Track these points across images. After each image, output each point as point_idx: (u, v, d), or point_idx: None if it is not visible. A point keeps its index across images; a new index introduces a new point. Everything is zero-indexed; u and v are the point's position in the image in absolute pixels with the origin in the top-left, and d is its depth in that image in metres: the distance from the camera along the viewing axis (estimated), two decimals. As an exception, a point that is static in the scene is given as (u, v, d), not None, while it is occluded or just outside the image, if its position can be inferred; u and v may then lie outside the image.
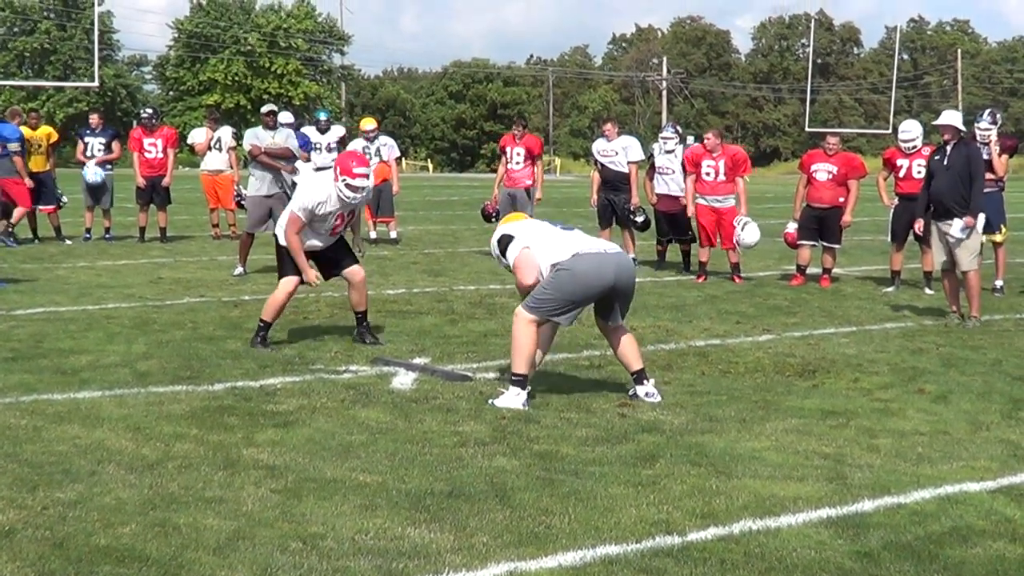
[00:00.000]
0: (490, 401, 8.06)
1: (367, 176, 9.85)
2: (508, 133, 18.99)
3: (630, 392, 8.35)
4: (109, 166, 20.20)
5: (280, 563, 4.96)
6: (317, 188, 9.86)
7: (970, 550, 5.30)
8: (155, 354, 9.56)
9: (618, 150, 17.16)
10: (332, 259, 10.28)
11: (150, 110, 21.59)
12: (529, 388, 8.11)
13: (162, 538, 5.20)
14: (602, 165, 17.36)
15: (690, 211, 15.70)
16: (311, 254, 10.06)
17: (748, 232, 15.34)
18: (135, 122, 59.07)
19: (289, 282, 10.04)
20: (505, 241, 8.39)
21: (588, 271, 8.07)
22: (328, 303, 12.58)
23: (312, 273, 9.99)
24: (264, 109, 16.00)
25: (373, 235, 20.48)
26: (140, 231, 20.15)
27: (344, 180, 9.71)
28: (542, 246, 8.24)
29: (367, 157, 18.28)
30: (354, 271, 10.29)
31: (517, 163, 18.12)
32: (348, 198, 9.80)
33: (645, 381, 8.33)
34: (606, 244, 8.68)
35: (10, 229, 18.76)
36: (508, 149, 18.22)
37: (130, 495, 5.81)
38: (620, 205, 17.15)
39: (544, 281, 8.12)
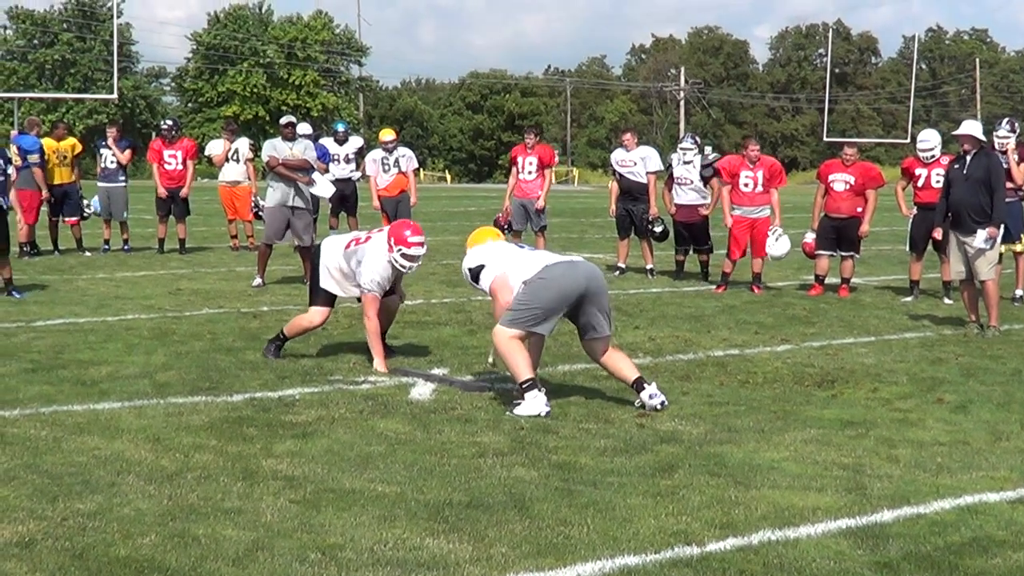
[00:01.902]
0: (509, 411, 8.08)
1: (422, 245, 9.65)
2: (519, 144, 18.97)
3: (636, 404, 8.34)
4: (123, 177, 20.23)
5: (299, 574, 4.96)
6: (378, 263, 9.57)
7: (990, 560, 5.28)
8: (174, 365, 9.58)
9: (636, 160, 17.15)
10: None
11: (170, 122, 21.65)
12: (544, 389, 8.16)
13: (181, 549, 5.21)
14: (620, 175, 17.36)
15: (728, 221, 15.59)
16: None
17: (780, 244, 15.35)
18: (154, 133, 59.28)
19: (319, 314, 9.97)
20: (476, 271, 8.58)
21: (560, 277, 8.24)
22: (346, 314, 12.59)
23: (384, 364, 9.58)
24: (283, 121, 16.06)
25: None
26: (159, 242, 20.20)
27: (400, 250, 9.51)
28: (512, 267, 8.42)
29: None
30: (392, 300, 10.18)
31: (529, 173, 18.08)
32: (404, 268, 9.61)
33: (646, 385, 8.33)
34: (572, 256, 8.92)
35: (26, 248, 18.78)
36: (520, 159, 18.17)
37: (149, 506, 5.82)
38: (638, 215, 17.14)
39: (518, 295, 8.24)
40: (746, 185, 15.44)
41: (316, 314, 9.99)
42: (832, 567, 5.16)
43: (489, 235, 9.15)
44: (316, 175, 15.93)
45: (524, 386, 8.08)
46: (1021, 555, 5.36)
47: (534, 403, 8.02)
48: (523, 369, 8.12)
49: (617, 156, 17.48)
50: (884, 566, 5.18)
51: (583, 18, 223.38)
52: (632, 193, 17.22)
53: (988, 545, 5.48)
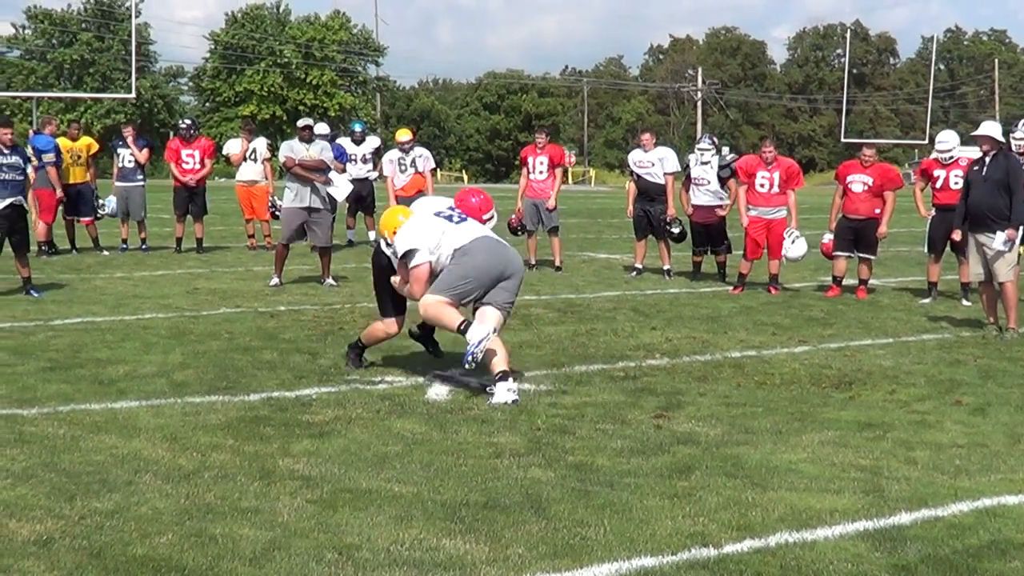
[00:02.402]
0: (489, 402, 8.35)
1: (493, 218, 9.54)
2: (529, 144, 18.96)
3: (488, 391, 8.59)
4: (140, 177, 20.27)
5: (315, 574, 4.97)
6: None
7: (1008, 563, 5.26)
8: (191, 364, 9.60)
9: (654, 161, 17.13)
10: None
11: (188, 121, 21.69)
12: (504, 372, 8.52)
13: (198, 548, 5.22)
14: (638, 176, 17.34)
15: (744, 221, 15.56)
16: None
17: (797, 246, 15.32)
18: (171, 133, 59.37)
19: (394, 324, 9.56)
20: (410, 254, 8.88)
21: (488, 249, 8.85)
22: (363, 313, 12.60)
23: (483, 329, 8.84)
24: (300, 123, 16.09)
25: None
26: (176, 241, 20.24)
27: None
28: (444, 241, 8.84)
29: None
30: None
31: (541, 173, 18.07)
32: None
33: (505, 380, 8.48)
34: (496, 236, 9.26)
35: (44, 247, 18.84)
36: (530, 160, 18.15)
37: (166, 505, 5.84)
38: (656, 216, 17.12)
39: (450, 267, 8.77)
40: (762, 186, 15.41)
41: (391, 324, 9.59)
42: (849, 569, 5.14)
43: (400, 214, 9.23)
44: (333, 175, 15.95)
45: (461, 328, 8.59)
46: (1040, 558, 5.34)
47: (505, 393, 8.39)
48: (456, 318, 8.61)
49: (635, 157, 17.46)
50: (902, 569, 5.17)
51: (600, 18, 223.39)
52: (649, 194, 17.19)
53: (1006, 548, 5.45)
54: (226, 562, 5.07)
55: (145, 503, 5.85)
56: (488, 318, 8.88)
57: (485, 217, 9.44)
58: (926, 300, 14.92)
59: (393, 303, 9.54)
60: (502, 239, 9.18)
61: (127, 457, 6.70)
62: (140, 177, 20.26)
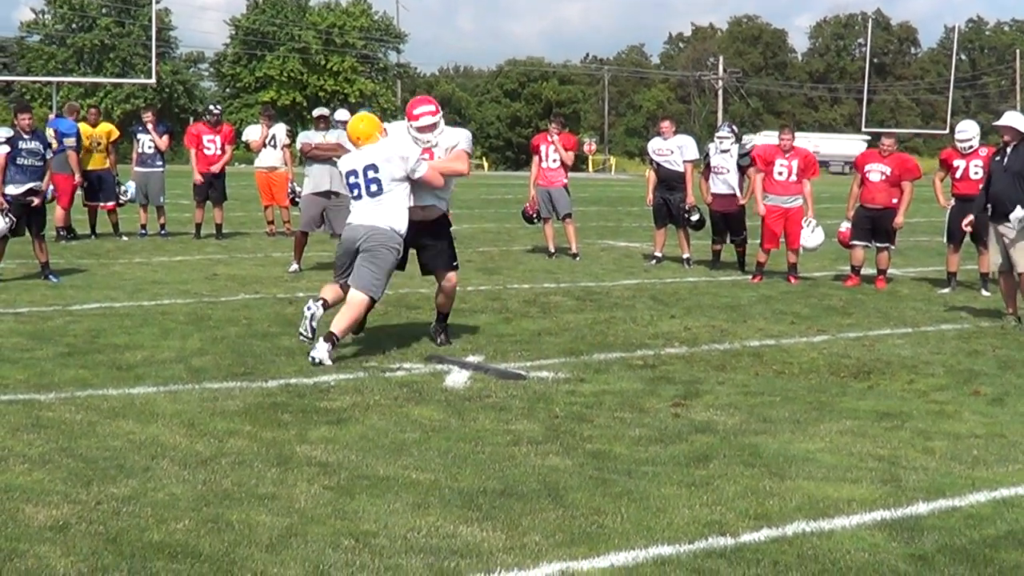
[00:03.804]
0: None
1: (432, 114, 10.09)
2: (541, 132, 18.93)
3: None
4: (160, 162, 20.29)
5: (332, 560, 4.97)
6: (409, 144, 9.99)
7: (1027, 555, 5.25)
8: (209, 350, 9.61)
9: (673, 149, 17.08)
10: (431, 258, 10.31)
11: (218, 108, 21.68)
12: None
13: (215, 534, 5.23)
14: (657, 164, 17.31)
15: (760, 210, 15.52)
16: (418, 247, 10.20)
17: (815, 235, 15.28)
18: (192, 118, 59.48)
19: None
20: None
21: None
22: (382, 300, 12.60)
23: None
24: (315, 113, 16.12)
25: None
26: (196, 227, 20.27)
27: (411, 125, 10.04)
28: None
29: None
30: (448, 277, 10.22)
31: (554, 161, 18.03)
32: (419, 140, 9.99)
33: (330, 341, 9.27)
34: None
35: (63, 232, 18.90)
36: (542, 148, 18.11)
37: (183, 491, 5.85)
38: (675, 204, 17.08)
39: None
40: (780, 174, 15.36)
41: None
42: (866, 559, 5.13)
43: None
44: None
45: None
46: (1058, 550, 5.32)
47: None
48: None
49: (654, 145, 17.42)
50: (919, 559, 5.15)
51: (623, 6, 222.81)
52: (669, 182, 17.16)
53: (1024, 539, 5.44)
54: (243, 548, 5.08)
55: (162, 489, 5.87)
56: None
57: (415, 112, 10.06)
58: (945, 290, 14.87)
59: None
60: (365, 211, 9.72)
61: (144, 443, 6.72)
62: (160, 163, 20.27)
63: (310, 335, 9.46)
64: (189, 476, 6.10)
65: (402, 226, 9.67)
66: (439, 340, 10.20)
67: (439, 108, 10.20)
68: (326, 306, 9.68)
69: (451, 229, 10.52)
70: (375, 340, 10.25)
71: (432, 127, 10.02)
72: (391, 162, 9.57)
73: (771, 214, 15.40)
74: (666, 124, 17.47)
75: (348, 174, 9.80)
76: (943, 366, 9.73)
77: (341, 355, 9.50)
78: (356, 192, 9.72)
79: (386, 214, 9.62)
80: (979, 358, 10.17)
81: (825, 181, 48.84)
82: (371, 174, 9.60)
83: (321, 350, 9.19)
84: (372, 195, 9.61)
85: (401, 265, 9.98)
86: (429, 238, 10.12)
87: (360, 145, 9.78)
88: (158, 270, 15.27)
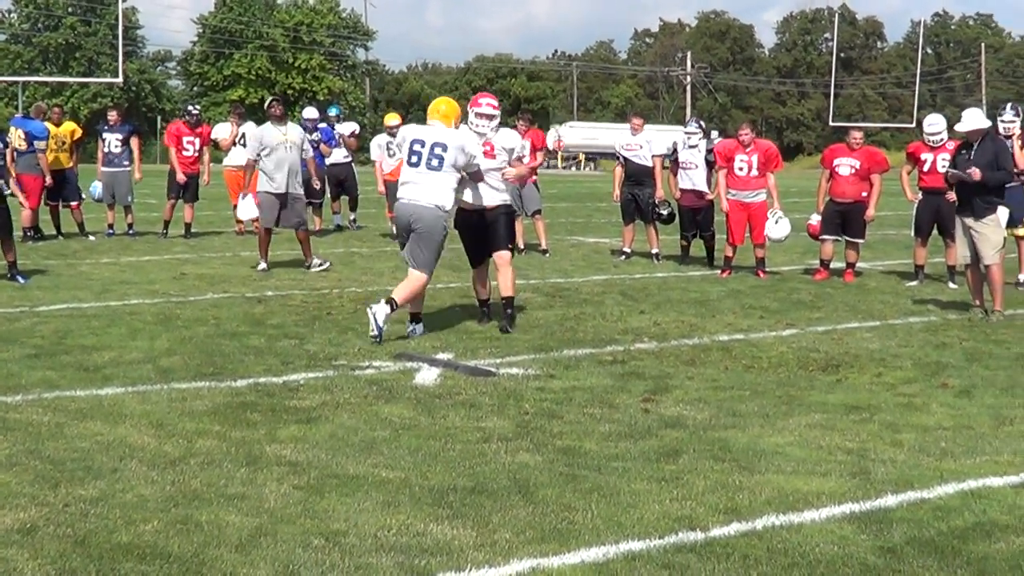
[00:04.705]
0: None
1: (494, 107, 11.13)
2: (533, 129, 18.90)
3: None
4: (127, 162, 20.19)
5: (302, 560, 4.96)
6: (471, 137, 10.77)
7: (993, 545, 5.27)
8: (178, 350, 9.57)
9: (642, 144, 17.12)
10: (485, 240, 11.12)
11: (197, 108, 21.58)
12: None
13: (184, 535, 5.21)
14: (626, 159, 17.33)
15: (724, 207, 15.58)
16: (471, 233, 11.13)
17: (780, 226, 15.35)
18: (159, 118, 59.16)
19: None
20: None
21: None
22: (351, 298, 12.60)
23: None
24: (268, 101, 16.14)
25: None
26: (164, 224, 20.20)
27: (473, 111, 11.00)
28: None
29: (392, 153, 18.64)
30: (501, 255, 11.01)
31: (523, 158, 17.98)
32: (479, 127, 10.94)
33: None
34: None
35: (30, 233, 18.79)
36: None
37: (152, 492, 5.82)
38: (644, 199, 17.11)
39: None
40: (740, 169, 15.42)
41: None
42: (836, 552, 5.15)
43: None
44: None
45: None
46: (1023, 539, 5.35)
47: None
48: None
49: (623, 140, 17.44)
50: (887, 551, 5.17)
51: (591, 2, 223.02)
52: (637, 177, 17.17)
53: (991, 530, 5.46)
54: (212, 549, 5.05)
55: (130, 490, 5.84)
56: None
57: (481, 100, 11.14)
58: (913, 283, 14.95)
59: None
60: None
61: (112, 444, 6.68)
62: (126, 162, 20.16)
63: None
64: (158, 477, 6.07)
65: (447, 203, 10.49)
66: (505, 329, 10.80)
67: (499, 107, 11.15)
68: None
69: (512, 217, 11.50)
70: (344, 338, 10.23)
71: (490, 117, 11.00)
72: (455, 150, 10.40)
73: (733, 209, 15.47)
74: (637, 120, 17.49)
75: (414, 142, 10.57)
76: (911, 359, 9.78)
77: (310, 353, 9.48)
78: (415, 159, 10.52)
79: (434, 191, 10.44)
80: (946, 351, 10.23)
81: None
82: (437, 151, 10.43)
83: (380, 310, 10.02)
84: (431, 168, 10.42)
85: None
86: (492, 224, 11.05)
87: (432, 120, 10.69)
88: (126, 270, 15.20)
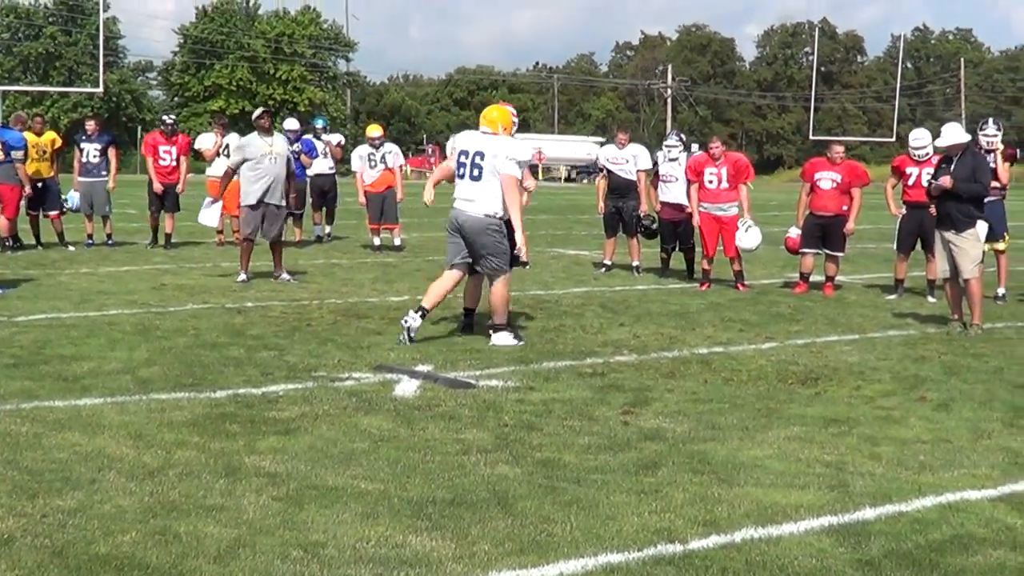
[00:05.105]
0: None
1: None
2: None
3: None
4: (104, 172, 20.16)
5: (281, 571, 4.95)
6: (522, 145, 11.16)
7: (971, 558, 5.29)
8: (157, 361, 9.55)
9: (628, 158, 17.17)
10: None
11: (172, 118, 21.56)
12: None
13: (162, 546, 5.19)
14: (610, 172, 17.36)
15: (695, 221, 15.67)
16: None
17: (750, 235, 15.39)
18: (140, 128, 59.02)
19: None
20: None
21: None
22: (331, 310, 12.59)
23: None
24: (256, 113, 16.11)
25: (377, 242, 20.48)
26: (153, 232, 20.20)
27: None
28: None
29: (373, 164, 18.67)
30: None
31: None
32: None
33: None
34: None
35: (8, 243, 18.74)
36: None
37: (130, 503, 5.80)
38: (628, 212, 17.16)
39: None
40: (711, 182, 15.49)
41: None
42: (814, 565, 5.16)
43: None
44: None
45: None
46: (1001, 552, 5.37)
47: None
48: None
49: (608, 153, 17.47)
50: (866, 564, 5.19)
51: (572, 15, 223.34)
52: (622, 190, 17.23)
53: (969, 543, 5.48)
54: (190, 560, 5.04)
55: (108, 501, 5.82)
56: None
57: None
58: (892, 296, 14.99)
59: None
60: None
61: (91, 455, 6.66)
62: (104, 172, 20.14)
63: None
64: (136, 488, 6.05)
65: (495, 210, 10.69)
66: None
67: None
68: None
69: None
70: (324, 350, 10.22)
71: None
72: (497, 158, 10.60)
73: (705, 222, 15.53)
74: (623, 135, 17.56)
75: (460, 153, 10.86)
76: (890, 372, 9.81)
77: (289, 365, 9.47)
78: (461, 171, 10.84)
79: (481, 201, 10.70)
80: (925, 364, 10.26)
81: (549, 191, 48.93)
82: (478, 160, 10.67)
83: (498, 337, 10.68)
84: (473, 179, 10.71)
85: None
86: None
87: (483, 125, 10.91)
88: (105, 280, 15.15)
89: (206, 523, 5.51)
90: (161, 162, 20.15)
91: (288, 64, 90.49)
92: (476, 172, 10.67)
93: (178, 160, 20.28)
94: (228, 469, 6.43)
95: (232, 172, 15.29)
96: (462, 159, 10.79)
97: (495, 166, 10.59)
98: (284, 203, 15.52)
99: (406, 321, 10.69)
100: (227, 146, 20.68)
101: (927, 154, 14.85)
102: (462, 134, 11.28)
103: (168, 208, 20.13)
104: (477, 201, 10.70)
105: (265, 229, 15.25)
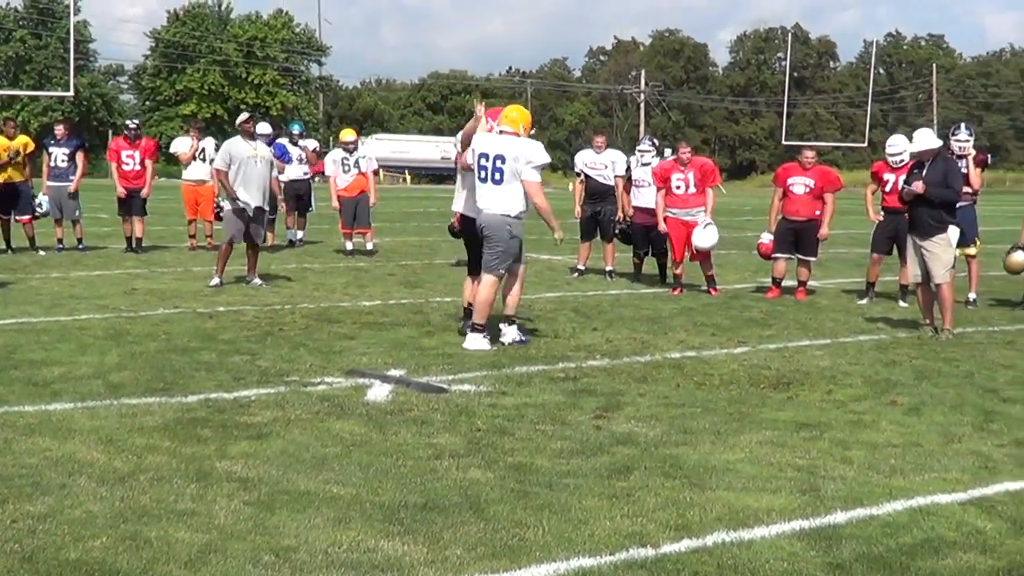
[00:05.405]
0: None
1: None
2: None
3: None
4: (72, 177, 20.05)
5: (252, 576, 4.94)
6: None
7: (941, 561, 5.31)
8: (128, 365, 9.51)
9: (607, 163, 17.20)
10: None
11: (136, 122, 21.49)
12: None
13: (133, 552, 5.17)
14: (587, 177, 17.37)
15: (661, 227, 15.69)
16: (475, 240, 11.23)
17: (708, 233, 15.35)
18: (111, 132, 58.83)
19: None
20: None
21: None
22: (303, 314, 12.56)
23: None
24: (241, 117, 16.03)
25: (349, 246, 20.45)
26: (127, 240, 20.11)
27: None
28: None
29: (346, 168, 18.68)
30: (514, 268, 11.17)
31: None
32: None
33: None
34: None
35: None
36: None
37: (101, 508, 5.77)
38: (605, 217, 17.19)
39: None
40: (678, 188, 15.52)
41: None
42: (785, 568, 5.17)
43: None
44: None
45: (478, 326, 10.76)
46: (971, 556, 5.39)
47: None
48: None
49: (585, 158, 17.45)
50: (837, 567, 5.20)
51: (546, 20, 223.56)
52: (600, 195, 17.25)
53: (939, 546, 5.51)
54: (161, 565, 5.02)
55: (79, 506, 5.79)
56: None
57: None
58: (862, 301, 15.05)
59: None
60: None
61: (61, 460, 6.63)
62: (72, 177, 20.03)
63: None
64: (107, 493, 6.02)
65: (514, 210, 10.78)
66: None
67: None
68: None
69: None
70: (296, 354, 10.20)
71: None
72: (518, 161, 10.68)
73: (673, 227, 15.54)
74: (600, 139, 17.58)
75: (480, 156, 10.82)
76: (861, 376, 9.84)
77: (261, 369, 9.45)
78: (482, 174, 10.82)
79: (501, 200, 10.75)
80: (896, 368, 10.30)
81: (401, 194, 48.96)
82: (498, 163, 10.70)
83: (471, 341, 10.70)
84: (495, 183, 10.72)
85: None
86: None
87: (503, 124, 10.97)
88: (76, 285, 15.08)
89: (177, 528, 5.49)
90: (124, 167, 20.10)
91: (260, 68, 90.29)
92: (498, 176, 10.71)
93: (143, 164, 20.20)
94: (199, 474, 6.41)
95: (224, 173, 15.13)
96: (483, 162, 10.80)
97: (516, 170, 10.69)
98: (267, 207, 15.49)
99: (504, 336, 10.97)
100: (203, 150, 20.65)
101: (903, 160, 14.86)
102: (480, 137, 11.11)
103: (136, 212, 20.05)
104: (496, 202, 10.77)
105: (253, 231, 15.18)
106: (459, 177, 11.67)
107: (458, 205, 11.55)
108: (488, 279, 10.85)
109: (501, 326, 10.98)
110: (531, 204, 10.94)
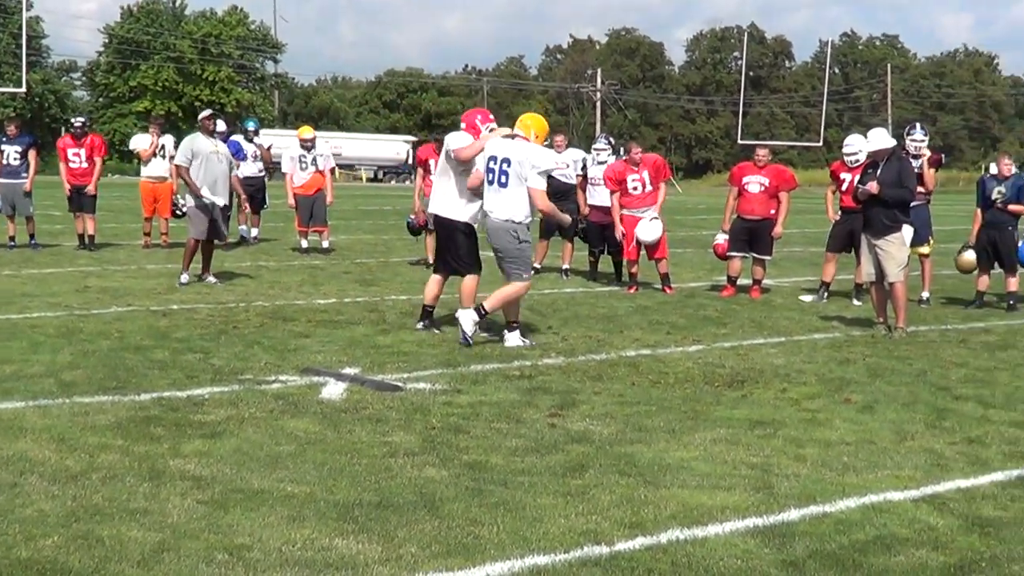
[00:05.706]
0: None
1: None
2: (427, 144, 18.95)
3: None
4: (25, 173, 19.88)
5: (205, 575, 4.91)
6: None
7: (893, 558, 5.35)
8: (80, 364, 9.43)
9: (568, 163, 17.23)
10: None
11: (82, 119, 21.35)
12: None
13: (85, 551, 5.13)
14: (549, 176, 17.32)
15: (618, 232, 15.69)
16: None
17: (652, 227, 15.40)
18: (63, 129, 58.34)
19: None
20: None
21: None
22: (258, 312, 12.51)
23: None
24: (203, 114, 15.97)
25: (305, 244, 20.39)
26: (79, 237, 19.96)
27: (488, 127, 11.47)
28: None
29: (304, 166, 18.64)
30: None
31: None
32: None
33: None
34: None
35: None
36: (430, 161, 18.07)
37: (52, 507, 5.73)
38: (570, 215, 17.19)
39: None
40: (635, 188, 15.58)
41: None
42: (739, 566, 5.20)
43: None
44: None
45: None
46: (923, 552, 5.43)
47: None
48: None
49: (550, 157, 17.44)
50: (790, 564, 5.23)
51: (502, 18, 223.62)
52: (562, 194, 17.23)
53: (891, 543, 5.54)
54: (113, 564, 4.99)
55: (30, 505, 5.74)
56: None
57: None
58: (810, 298, 15.16)
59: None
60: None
61: (12, 459, 6.57)
62: (25, 174, 19.88)
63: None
64: (59, 492, 5.98)
65: (518, 216, 10.85)
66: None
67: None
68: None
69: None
70: (250, 352, 10.15)
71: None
72: (523, 166, 10.73)
73: (629, 226, 15.55)
74: (560, 138, 17.61)
75: (490, 159, 10.92)
76: (815, 375, 9.90)
77: (215, 367, 9.40)
78: (490, 177, 10.93)
79: (506, 206, 10.83)
80: (850, 366, 10.36)
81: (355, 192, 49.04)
82: (504, 167, 10.80)
83: (510, 339, 10.93)
84: (501, 186, 10.83)
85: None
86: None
87: (517, 127, 11.09)
88: (27, 282, 14.96)
89: (130, 527, 5.46)
90: (71, 164, 19.98)
91: (215, 65, 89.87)
92: (503, 179, 10.79)
93: (91, 161, 20.07)
94: (152, 473, 6.37)
95: (186, 169, 15.02)
96: (491, 165, 10.89)
97: (520, 174, 10.73)
98: (227, 202, 15.42)
99: (525, 341, 11.05)
100: (163, 147, 20.54)
101: (858, 160, 14.93)
102: (492, 141, 11.14)
103: (86, 210, 19.91)
104: (502, 206, 10.84)
105: (216, 228, 15.09)
106: (435, 178, 11.69)
107: (434, 206, 11.49)
108: (518, 286, 11.04)
109: (458, 314, 11.04)
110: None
